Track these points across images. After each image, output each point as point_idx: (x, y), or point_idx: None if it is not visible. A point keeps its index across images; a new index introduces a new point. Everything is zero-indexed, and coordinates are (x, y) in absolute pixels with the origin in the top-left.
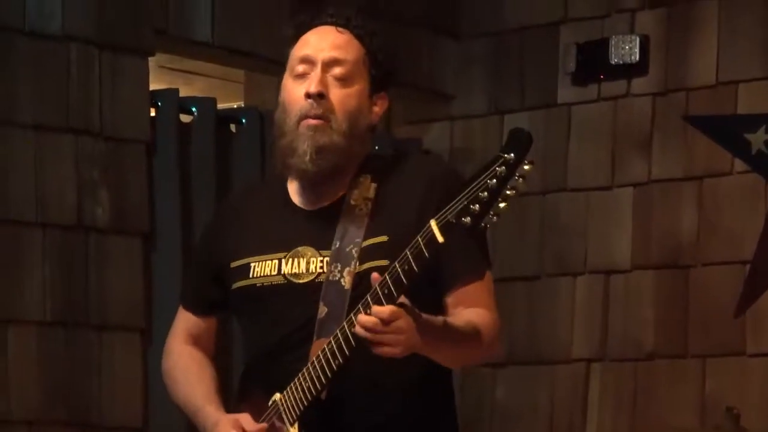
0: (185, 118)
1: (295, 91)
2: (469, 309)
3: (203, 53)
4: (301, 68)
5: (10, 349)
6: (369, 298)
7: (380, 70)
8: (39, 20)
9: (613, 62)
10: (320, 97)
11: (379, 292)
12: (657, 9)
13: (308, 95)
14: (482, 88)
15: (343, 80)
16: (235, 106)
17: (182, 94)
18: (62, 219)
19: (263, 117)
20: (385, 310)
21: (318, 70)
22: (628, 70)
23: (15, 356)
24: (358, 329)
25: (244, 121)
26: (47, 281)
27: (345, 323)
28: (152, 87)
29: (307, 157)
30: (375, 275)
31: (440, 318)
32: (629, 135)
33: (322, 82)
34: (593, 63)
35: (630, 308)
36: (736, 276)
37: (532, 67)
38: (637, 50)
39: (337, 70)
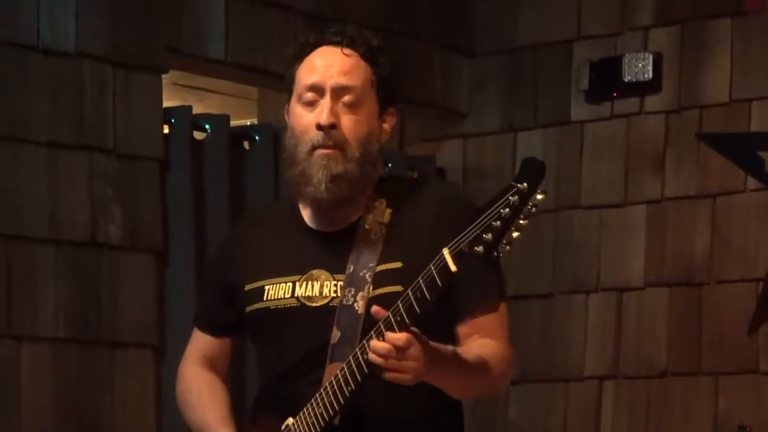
0: (199, 135)
1: (304, 119)
2: (480, 340)
3: (216, 70)
4: (309, 96)
5: (23, 366)
6: (381, 325)
7: (388, 88)
8: (53, 38)
9: (626, 80)
10: (332, 127)
11: (392, 319)
12: (670, 27)
13: (319, 126)
14: (496, 105)
15: (353, 106)
16: (249, 123)
17: (196, 111)
18: (75, 236)
19: (277, 134)
20: (400, 336)
21: (327, 98)
22: (642, 88)
23: (28, 373)
24: (371, 355)
25: (257, 138)
26: (60, 298)
27: (357, 350)
28: (166, 104)
29: (323, 186)
30: (375, 308)
31: (449, 347)
32: (642, 152)
33: (333, 111)
34: (606, 81)
35: (643, 326)
36: (749, 294)
37: (545, 84)
38: (650, 68)
39: (346, 98)
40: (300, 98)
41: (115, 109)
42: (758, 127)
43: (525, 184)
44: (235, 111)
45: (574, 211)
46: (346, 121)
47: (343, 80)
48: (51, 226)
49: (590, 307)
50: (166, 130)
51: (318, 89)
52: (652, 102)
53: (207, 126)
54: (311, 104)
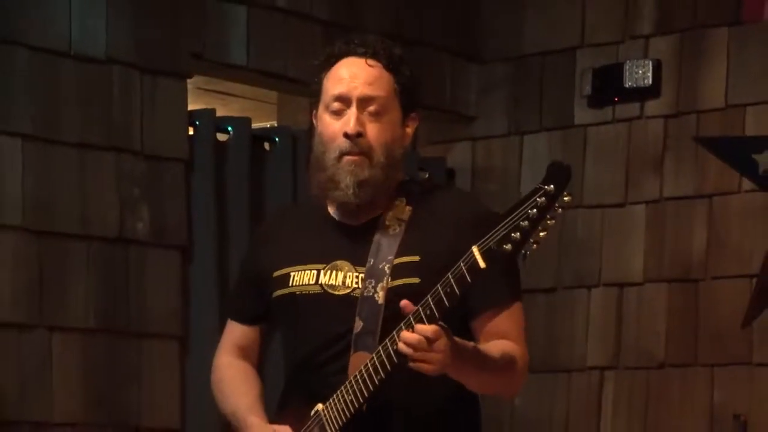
0: (221, 137)
1: (332, 127)
2: (503, 340)
3: (239, 76)
4: (336, 105)
5: (54, 355)
6: (411, 318)
7: (409, 95)
8: (83, 45)
9: (627, 86)
10: (358, 136)
11: (422, 313)
12: (669, 35)
13: (347, 135)
14: (503, 110)
15: (378, 115)
16: (269, 126)
17: (219, 114)
18: (105, 232)
19: (295, 136)
20: (429, 328)
21: (354, 108)
22: (642, 93)
23: (59, 362)
24: (401, 346)
25: (277, 139)
26: (90, 291)
27: (387, 341)
28: (190, 107)
29: (351, 191)
30: (404, 302)
31: (471, 343)
32: (642, 155)
33: (359, 121)
34: (608, 86)
35: (642, 319)
36: (743, 289)
37: (550, 90)
38: (650, 74)
39: (371, 107)
40: (328, 107)
41: (142, 113)
42: (753, 131)
43: (551, 186)
44: (256, 114)
45: (577, 210)
46: (372, 129)
47: (368, 91)
48: (81, 223)
49: (592, 301)
50: (190, 132)
51: (345, 99)
52: (652, 107)
53: (229, 128)
54: (338, 113)
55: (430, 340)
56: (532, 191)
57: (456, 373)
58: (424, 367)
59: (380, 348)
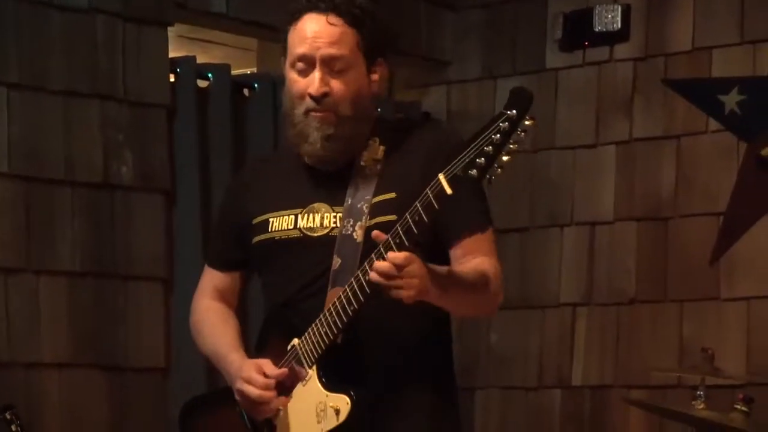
0: (202, 83)
1: (298, 86)
2: (475, 259)
3: (219, 24)
4: (300, 65)
5: (41, 298)
6: (381, 248)
7: (374, 46)
8: None
9: (597, 30)
10: (324, 96)
11: (391, 242)
12: None
13: (311, 96)
14: (477, 54)
15: (342, 72)
16: (249, 72)
17: (199, 61)
18: (90, 178)
19: (275, 82)
20: (399, 255)
21: (317, 70)
22: (611, 37)
23: (46, 304)
24: (372, 274)
25: (256, 86)
26: (76, 235)
27: (359, 271)
28: (172, 55)
29: (318, 145)
30: (376, 232)
31: (444, 267)
32: (612, 97)
33: (323, 81)
34: (579, 31)
35: (613, 257)
36: (711, 227)
37: (522, 35)
38: (619, 18)
39: (335, 65)
40: (293, 65)
41: (125, 60)
42: (719, 72)
43: (514, 111)
44: (236, 61)
45: (549, 151)
46: (336, 85)
47: (330, 50)
48: (67, 169)
49: (565, 239)
50: (172, 79)
51: (308, 59)
52: (621, 50)
53: (210, 75)
54: (303, 72)
55: (400, 266)
56: (495, 117)
57: (434, 297)
58: (402, 293)
59: (353, 279)
